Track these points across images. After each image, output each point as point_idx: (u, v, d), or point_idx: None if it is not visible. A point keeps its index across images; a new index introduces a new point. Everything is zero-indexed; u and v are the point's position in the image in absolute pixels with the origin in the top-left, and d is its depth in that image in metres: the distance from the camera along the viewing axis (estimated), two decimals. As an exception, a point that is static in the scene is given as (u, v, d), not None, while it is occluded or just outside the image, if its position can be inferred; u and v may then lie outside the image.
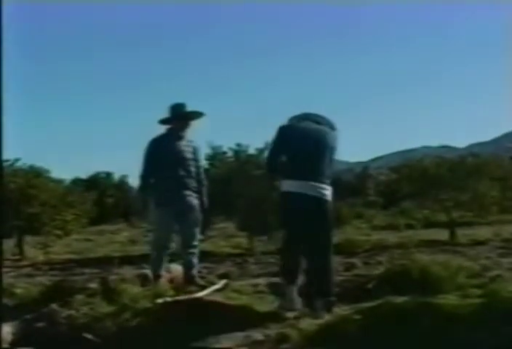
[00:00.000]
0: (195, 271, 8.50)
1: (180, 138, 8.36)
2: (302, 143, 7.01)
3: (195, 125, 8.54)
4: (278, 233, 7.53)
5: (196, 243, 8.48)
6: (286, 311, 6.62)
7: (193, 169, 8.42)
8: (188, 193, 8.37)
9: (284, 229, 7.21)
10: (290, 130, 7.15)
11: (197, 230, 8.51)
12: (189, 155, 8.40)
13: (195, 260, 8.49)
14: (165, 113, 8.34)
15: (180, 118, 8.33)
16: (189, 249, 8.40)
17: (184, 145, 8.39)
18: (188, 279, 8.32)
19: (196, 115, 8.52)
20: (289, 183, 6.98)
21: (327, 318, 6.23)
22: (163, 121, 8.44)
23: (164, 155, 8.20)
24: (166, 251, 8.37)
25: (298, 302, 6.92)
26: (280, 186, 7.16)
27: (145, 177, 8.35)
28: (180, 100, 8.33)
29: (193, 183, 8.43)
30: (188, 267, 8.41)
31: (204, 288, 7.79)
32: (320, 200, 6.94)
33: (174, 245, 8.68)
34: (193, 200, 8.40)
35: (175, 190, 8.24)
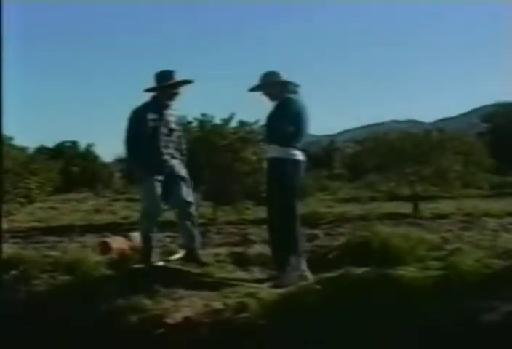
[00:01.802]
0: (197, 244, 7.99)
1: (166, 107, 8.01)
2: (305, 116, 7.39)
3: (182, 93, 8.12)
4: (277, 203, 7.24)
5: (194, 213, 8.09)
6: (295, 284, 6.52)
7: (176, 140, 8.15)
8: (176, 162, 8.08)
9: (291, 197, 7.21)
10: (299, 104, 7.39)
11: (192, 199, 8.13)
12: (174, 126, 8.11)
13: (195, 232, 8.02)
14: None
15: (168, 87, 7.92)
16: (189, 220, 7.98)
17: (169, 114, 8.06)
18: (191, 255, 7.90)
19: (184, 83, 8.09)
20: (294, 152, 7.25)
21: (288, 288, 6.24)
22: (149, 90, 8.02)
23: (149, 124, 7.79)
24: (157, 220, 7.92)
25: (307, 272, 7.04)
26: (284, 153, 7.23)
27: (131, 147, 7.87)
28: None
29: (178, 153, 8.17)
30: (190, 240, 7.94)
31: (203, 265, 7.60)
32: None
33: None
34: (182, 169, 8.12)
35: (164, 161, 7.92)
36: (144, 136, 7.75)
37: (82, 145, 60.62)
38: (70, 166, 50.83)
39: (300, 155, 7.29)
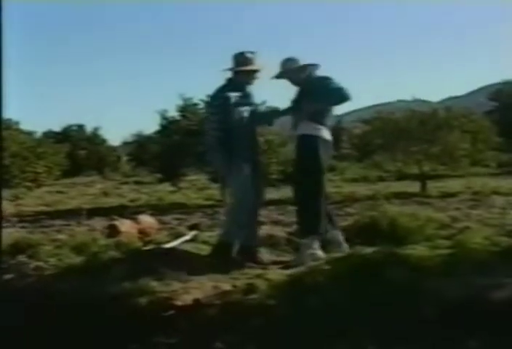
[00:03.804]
0: (256, 243, 7.45)
1: (244, 91, 7.42)
2: (347, 92, 7.29)
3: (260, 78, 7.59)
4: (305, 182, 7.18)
5: (260, 211, 7.69)
6: (305, 263, 6.54)
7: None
8: (257, 152, 7.72)
9: (317, 175, 7.18)
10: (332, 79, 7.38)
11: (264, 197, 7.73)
12: (250, 109, 7.48)
13: (257, 230, 7.59)
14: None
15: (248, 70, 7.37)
16: (256, 218, 7.51)
17: (251, 97, 7.55)
18: (250, 257, 7.22)
19: (264, 68, 7.50)
20: (324, 130, 7.29)
21: (297, 269, 6.24)
22: (229, 70, 7.42)
23: (234, 110, 7.20)
24: (247, 215, 7.21)
25: (320, 251, 7.02)
26: (315, 130, 7.23)
27: (215, 133, 7.18)
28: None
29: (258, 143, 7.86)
30: (251, 239, 7.36)
31: (262, 265, 7.00)
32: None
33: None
34: (260, 161, 7.79)
35: (250, 149, 7.39)
36: (230, 121, 7.19)
37: (89, 128, 60.82)
38: (77, 149, 50.99)
39: (328, 135, 7.30)
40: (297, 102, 7.48)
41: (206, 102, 7.00)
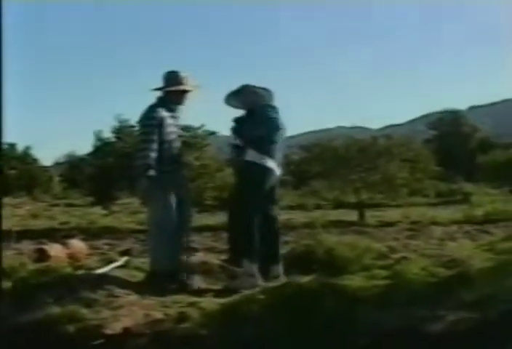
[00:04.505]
0: (194, 278, 7.29)
1: (174, 111, 7.27)
2: (279, 122, 7.40)
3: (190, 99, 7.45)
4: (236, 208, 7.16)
5: (190, 236, 7.58)
6: (246, 289, 6.38)
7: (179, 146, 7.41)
8: (184, 174, 7.58)
9: (249, 203, 7.12)
10: (274, 110, 7.46)
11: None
12: (179, 131, 7.40)
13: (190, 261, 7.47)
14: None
15: (181, 90, 7.22)
16: (186, 243, 7.41)
17: (179, 119, 7.39)
18: (180, 284, 7.07)
19: (195, 88, 7.39)
20: (271, 161, 7.26)
21: (231, 297, 6.11)
22: (158, 90, 7.28)
23: (166, 131, 7.04)
24: (171, 237, 7.02)
25: (259, 277, 6.97)
26: (259, 159, 7.17)
27: (150, 153, 6.89)
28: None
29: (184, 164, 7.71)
30: (183, 267, 7.28)
31: (198, 295, 6.63)
32: (277, 177, 7.48)
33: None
34: (186, 184, 7.64)
35: (176, 171, 7.23)
36: (162, 142, 7.02)
37: (20, 147, 60.07)
38: (7, 169, 50.30)
39: (274, 165, 7.29)
40: (240, 127, 7.42)
41: (137, 122, 6.83)
